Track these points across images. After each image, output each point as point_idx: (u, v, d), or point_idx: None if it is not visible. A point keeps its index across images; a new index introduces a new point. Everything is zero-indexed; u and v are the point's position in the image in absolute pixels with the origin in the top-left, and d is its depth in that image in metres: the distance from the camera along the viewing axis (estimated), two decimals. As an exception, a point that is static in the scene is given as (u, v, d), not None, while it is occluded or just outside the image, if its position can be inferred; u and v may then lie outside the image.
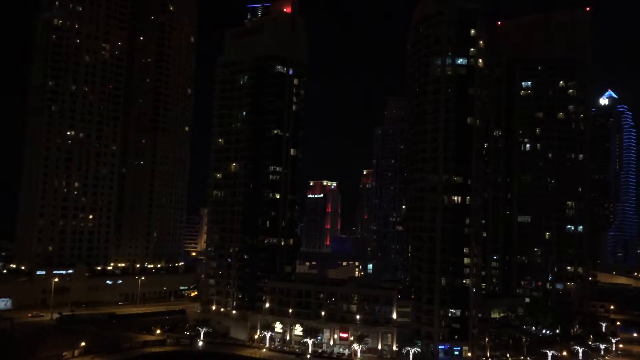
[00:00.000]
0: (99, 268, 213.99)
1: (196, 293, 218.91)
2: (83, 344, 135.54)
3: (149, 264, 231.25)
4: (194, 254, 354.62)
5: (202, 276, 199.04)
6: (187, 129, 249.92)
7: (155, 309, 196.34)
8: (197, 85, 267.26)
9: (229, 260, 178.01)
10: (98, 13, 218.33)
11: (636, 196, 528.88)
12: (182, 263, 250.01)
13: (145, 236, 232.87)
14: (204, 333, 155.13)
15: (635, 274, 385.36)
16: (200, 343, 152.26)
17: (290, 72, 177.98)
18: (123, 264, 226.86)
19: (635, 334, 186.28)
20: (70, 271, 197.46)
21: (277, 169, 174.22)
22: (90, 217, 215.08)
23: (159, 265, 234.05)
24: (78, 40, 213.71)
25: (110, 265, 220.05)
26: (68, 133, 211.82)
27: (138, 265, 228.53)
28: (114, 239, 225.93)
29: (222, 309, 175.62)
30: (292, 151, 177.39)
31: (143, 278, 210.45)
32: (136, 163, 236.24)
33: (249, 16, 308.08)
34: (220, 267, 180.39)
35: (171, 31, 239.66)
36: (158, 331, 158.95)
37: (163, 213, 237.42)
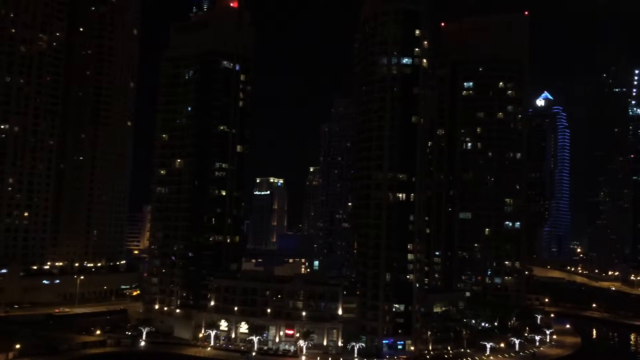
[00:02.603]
0: (35, 267, 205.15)
1: (138, 292, 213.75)
2: (18, 346, 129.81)
3: (88, 262, 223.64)
4: (136, 252, 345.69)
5: (145, 275, 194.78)
6: (129, 123, 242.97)
7: (95, 309, 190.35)
8: (141, 79, 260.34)
9: (173, 258, 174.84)
10: (35, 2, 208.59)
11: (569, 194, 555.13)
12: (124, 262, 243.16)
13: (84, 234, 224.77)
14: (146, 333, 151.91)
15: (568, 267, 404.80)
16: (143, 343, 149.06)
17: (237, 67, 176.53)
18: (61, 263, 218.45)
19: (567, 325, 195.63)
20: (3, 271, 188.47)
21: (223, 165, 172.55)
22: (26, 214, 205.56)
23: (99, 264, 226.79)
24: (13, 30, 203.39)
25: (47, 265, 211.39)
26: (2, 127, 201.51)
27: (77, 264, 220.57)
28: (51, 238, 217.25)
29: (165, 308, 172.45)
30: (238, 148, 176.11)
31: (82, 277, 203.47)
32: (75, 158, 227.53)
33: (194, 10, 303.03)
34: (164, 266, 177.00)
35: (112, 23, 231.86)
36: (98, 332, 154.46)
37: (103, 210, 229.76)
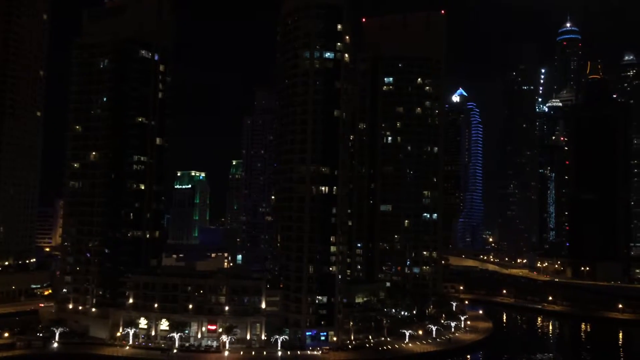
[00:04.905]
0: None
1: (50, 291, 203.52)
2: None
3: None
4: (47, 249, 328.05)
5: (57, 273, 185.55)
6: (39, 114, 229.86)
7: (2, 310, 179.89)
8: (53, 68, 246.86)
9: (88, 255, 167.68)
10: None
11: (482, 186, 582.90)
12: (34, 259, 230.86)
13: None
14: (59, 333, 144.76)
15: (481, 256, 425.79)
16: (55, 344, 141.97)
17: (156, 57, 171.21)
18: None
19: (480, 311, 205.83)
20: None
21: (142, 158, 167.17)
22: None
23: (6, 263, 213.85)
24: None
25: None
26: None
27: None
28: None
29: (80, 307, 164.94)
30: (157, 140, 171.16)
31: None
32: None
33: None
34: (78, 263, 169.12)
35: (20, 7, 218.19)
36: (6, 334, 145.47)
37: (11, 205, 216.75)
